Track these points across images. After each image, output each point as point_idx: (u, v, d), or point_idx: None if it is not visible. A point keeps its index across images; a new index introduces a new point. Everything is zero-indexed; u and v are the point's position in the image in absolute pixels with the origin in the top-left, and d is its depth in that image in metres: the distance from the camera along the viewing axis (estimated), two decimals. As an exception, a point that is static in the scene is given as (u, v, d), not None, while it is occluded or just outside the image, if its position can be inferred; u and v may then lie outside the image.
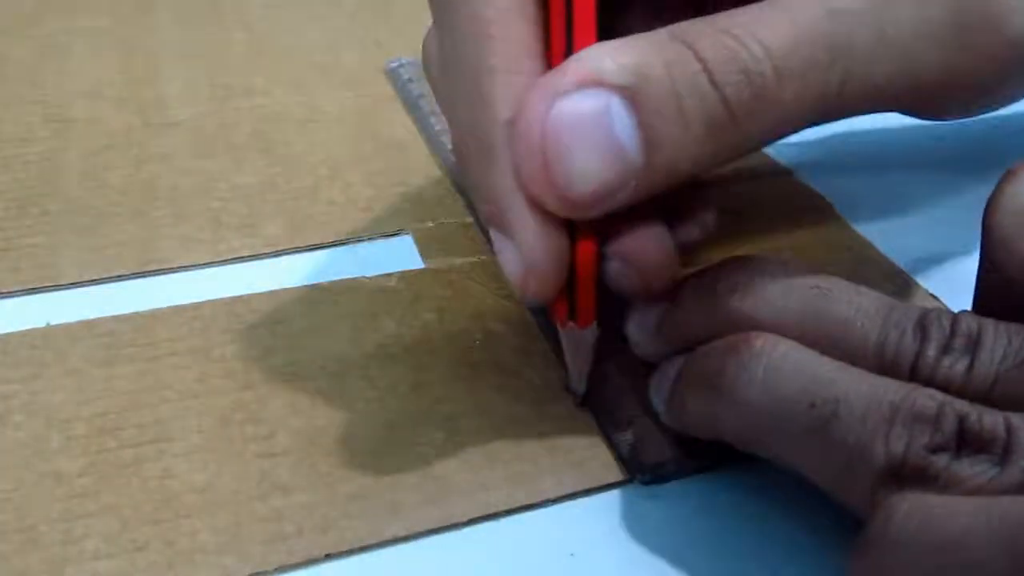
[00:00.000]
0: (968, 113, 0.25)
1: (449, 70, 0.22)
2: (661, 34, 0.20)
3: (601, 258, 0.22)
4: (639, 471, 0.23)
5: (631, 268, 0.22)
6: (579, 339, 0.23)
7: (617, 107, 0.19)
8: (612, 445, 0.24)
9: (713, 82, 0.20)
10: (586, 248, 0.21)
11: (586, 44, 0.20)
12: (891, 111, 0.24)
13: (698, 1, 0.25)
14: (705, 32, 0.20)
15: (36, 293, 0.28)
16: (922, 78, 0.22)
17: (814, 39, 0.20)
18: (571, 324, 0.23)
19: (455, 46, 0.22)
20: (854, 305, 0.21)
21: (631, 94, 0.19)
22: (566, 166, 0.19)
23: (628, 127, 0.19)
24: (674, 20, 0.21)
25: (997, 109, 0.26)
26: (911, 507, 0.18)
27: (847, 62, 0.20)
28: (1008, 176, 0.21)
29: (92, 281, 0.29)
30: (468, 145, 0.22)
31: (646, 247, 0.22)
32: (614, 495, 0.23)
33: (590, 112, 0.19)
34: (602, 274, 0.22)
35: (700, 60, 0.20)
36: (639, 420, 0.24)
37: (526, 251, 0.21)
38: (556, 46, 0.21)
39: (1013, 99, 0.26)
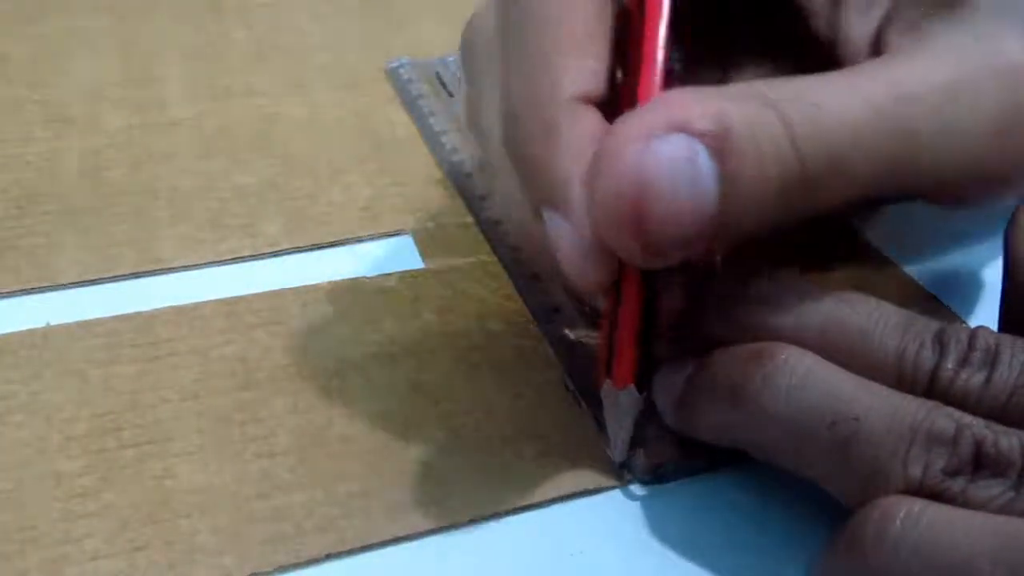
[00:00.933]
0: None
1: (512, 46, 0.23)
2: (741, 90, 0.20)
3: (649, 322, 0.22)
4: (639, 471, 0.23)
5: None
6: (617, 400, 0.22)
7: (703, 155, 0.19)
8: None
9: (795, 144, 0.20)
10: (631, 300, 0.21)
11: (655, 61, 0.21)
12: (947, 199, 0.23)
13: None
14: (786, 95, 0.20)
15: (36, 293, 0.28)
16: (979, 165, 0.22)
17: (885, 118, 0.20)
18: (608, 381, 0.22)
19: (522, 24, 0.22)
20: (874, 317, 0.21)
21: (718, 145, 0.19)
22: (659, 207, 0.19)
23: (711, 177, 0.19)
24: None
25: None
26: (912, 512, 0.18)
27: (912, 143, 0.21)
28: None
29: (92, 281, 0.29)
30: (526, 122, 0.22)
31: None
32: (614, 495, 0.23)
33: (684, 156, 0.19)
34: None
35: (784, 121, 0.20)
36: (639, 420, 0.24)
37: (587, 230, 0.20)
38: (635, 62, 0.22)
39: None
